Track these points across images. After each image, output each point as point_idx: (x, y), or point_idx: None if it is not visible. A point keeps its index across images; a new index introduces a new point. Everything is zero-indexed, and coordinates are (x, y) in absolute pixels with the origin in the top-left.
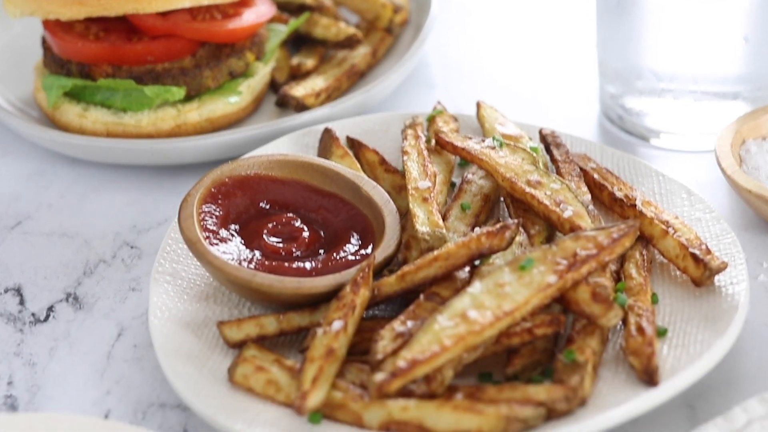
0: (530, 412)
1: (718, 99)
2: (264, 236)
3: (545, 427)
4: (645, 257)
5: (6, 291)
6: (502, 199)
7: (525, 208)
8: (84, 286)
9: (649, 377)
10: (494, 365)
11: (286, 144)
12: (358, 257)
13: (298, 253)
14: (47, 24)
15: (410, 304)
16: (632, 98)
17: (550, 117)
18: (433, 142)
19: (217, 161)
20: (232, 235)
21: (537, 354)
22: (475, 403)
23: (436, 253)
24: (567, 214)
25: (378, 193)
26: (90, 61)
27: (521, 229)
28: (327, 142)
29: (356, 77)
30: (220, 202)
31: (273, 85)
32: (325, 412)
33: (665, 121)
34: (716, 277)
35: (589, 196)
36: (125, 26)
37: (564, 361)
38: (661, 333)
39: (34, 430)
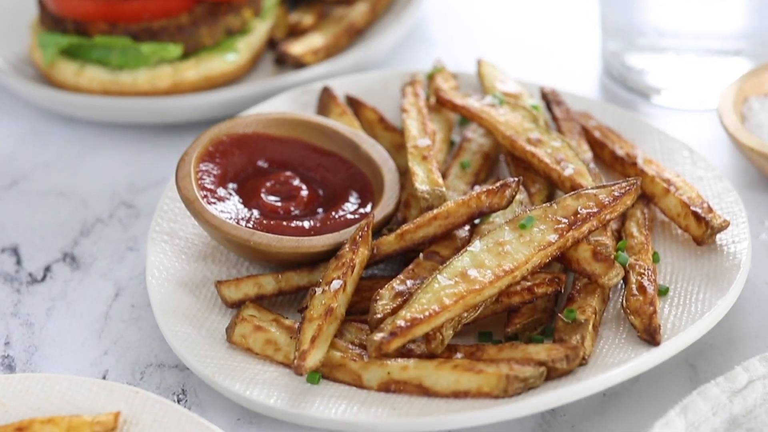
0: (530, 372)
1: (720, 56)
2: (262, 195)
3: (546, 386)
4: (646, 216)
5: (2, 251)
6: (502, 157)
7: (525, 167)
8: (81, 245)
9: (650, 336)
10: (494, 325)
11: (285, 102)
12: (357, 216)
13: (297, 211)
14: None
15: (409, 263)
16: (634, 55)
17: (551, 74)
18: (432, 99)
19: (215, 119)
20: (230, 194)
21: (537, 313)
22: (475, 363)
23: (435, 211)
24: (568, 172)
25: (377, 151)
26: (86, 18)
27: (521, 187)
28: (325, 100)
29: (355, 34)
30: (217, 160)
31: (271, 43)
32: (324, 371)
33: (667, 79)
34: (718, 236)
35: (590, 154)
36: None
37: (564, 321)
38: (663, 292)
39: (32, 390)
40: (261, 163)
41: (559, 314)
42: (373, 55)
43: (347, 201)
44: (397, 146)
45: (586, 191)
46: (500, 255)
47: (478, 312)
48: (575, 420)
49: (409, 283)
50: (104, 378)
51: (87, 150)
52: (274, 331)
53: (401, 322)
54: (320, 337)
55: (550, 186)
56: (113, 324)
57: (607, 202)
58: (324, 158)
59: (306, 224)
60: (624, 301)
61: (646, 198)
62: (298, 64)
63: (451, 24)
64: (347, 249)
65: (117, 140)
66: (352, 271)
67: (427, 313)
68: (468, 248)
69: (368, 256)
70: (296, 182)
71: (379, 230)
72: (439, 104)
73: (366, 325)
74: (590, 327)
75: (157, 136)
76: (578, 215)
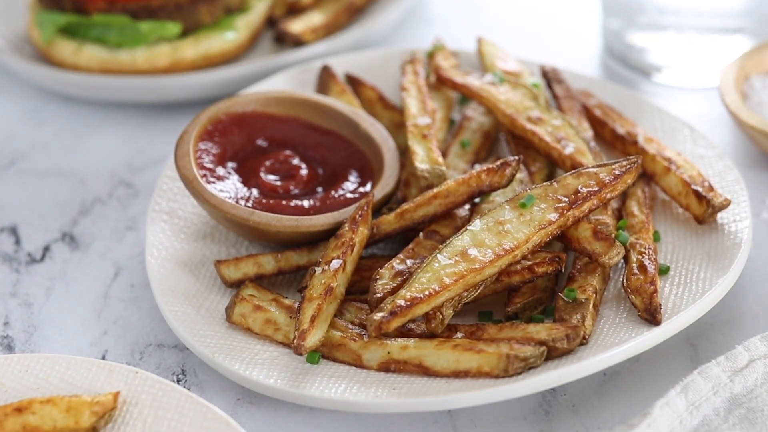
0: (531, 351)
1: (721, 34)
2: (261, 174)
3: (546, 366)
4: (647, 194)
5: (1, 231)
6: (502, 136)
7: (526, 145)
8: (80, 225)
9: (650, 316)
10: (494, 304)
11: (284, 80)
12: (356, 195)
13: (296, 191)
14: None
15: (409, 243)
16: (634, 33)
17: (551, 52)
18: (432, 78)
19: (214, 98)
20: (229, 173)
21: (538, 293)
22: (475, 343)
23: (435, 190)
24: (568, 150)
25: (377, 130)
26: None
27: (522, 166)
28: (325, 79)
29: (354, 12)
30: (216, 139)
31: (270, 21)
32: (324, 351)
33: (668, 57)
34: (719, 215)
35: (590, 133)
36: None
37: (565, 300)
38: (663, 271)
39: (31, 370)
40: (260, 142)
41: (560, 293)
42: (372, 33)
43: (347, 180)
44: (397, 125)
45: (587, 170)
46: (500, 234)
47: (479, 291)
48: (576, 399)
49: (409, 262)
50: (103, 358)
51: (86, 129)
52: (273, 311)
53: (401, 302)
54: (320, 317)
55: (551, 165)
56: (112, 304)
57: (607, 181)
58: (323, 137)
59: (305, 203)
60: (625, 281)
61: (646, 177)
62: (298, 42)
63: (451, 2)
64: (347, 228)
65: (116, 119)
66: (352, 251)
67: (427, 293)
68: (468, 227)
69: (368, 236)
70: (296, 161)
71: (378, 209)
72: (439, 83)
73: (366, 304)
74: (591, 306)
75: (156, 115)
76: (579, 194)
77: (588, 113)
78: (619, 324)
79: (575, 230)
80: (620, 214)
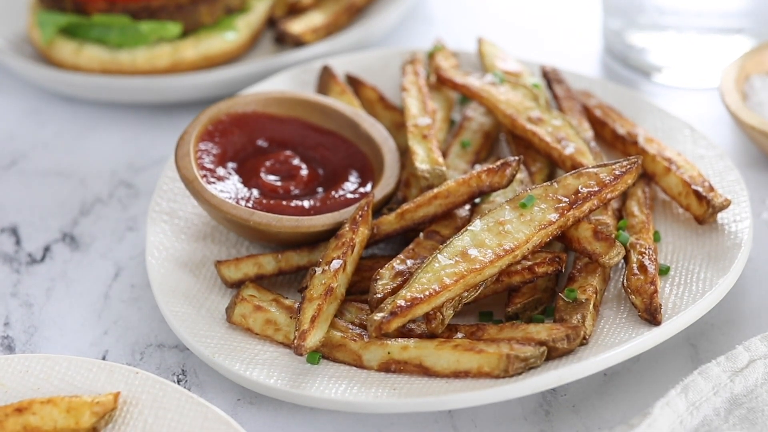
0: (531, 351)
1: (722, 34)
2: (262, 174)
3: (546, 366)
4: (647, 195)
5: (2, 231)
6: (502, 136)
7: (526, 145)
8: (80, 225)
9: (651, 316)
10: (495, 304)
11: (284, 81)
12: (357, 195)
13: (297, 191)
14: None
15: (410, 243)
16: (635, 33)
17: (551, 53)
18: (432, 78)
19: (214, 98)
20: (230, 174)
21: (538, 293)
22: (476, 343)
23: (435, 190)
24: (568, 150)
25: (377, 130)
26: None
27: (522, 166)
28: (325, 79)
29: (355, 13)
30: (217, 140)
31: (270, 21)
32: (324, 352)
33: (668, 57)
34: (719, 215)
35: (591, 133)
36: None
37: (565, 300)
38: (664, 271)
39: (31, 371)
40: (261, 143)
41: (560, 294)
42: (373, 33)
43: (347, 180)
44: (398, 125)
45: (587, 170)
46: (501, 234)
47: (479, 291)
48: (576, 400)
49: (409, 262)
50: (104, 358)
51: (86, 129)
52: (274, 311)
53: (401, 302)
54: (320, 317)
55: (551, 165)
56: (113, 304)
57: (608, 181)
58: (324, 137)
59: (306, 204)
60: (625, 281)
61: (647, 177)
62: (298, 42)
63: (451, 2)
64: (347, 228)
65: (116, 119)
66: (352, 251)
67: (427, 293)
68: (468, 227)
69: (368, 236)
70: (296, 161)
71: (379, 209)
72: (440, 83)
73: (366, 304)
74: (591, 306)
75: (157, 115)
76: (579, 194)
77: (588, 113)
78: (619, 324)
79: (575, 230)
80: (620, 215)
